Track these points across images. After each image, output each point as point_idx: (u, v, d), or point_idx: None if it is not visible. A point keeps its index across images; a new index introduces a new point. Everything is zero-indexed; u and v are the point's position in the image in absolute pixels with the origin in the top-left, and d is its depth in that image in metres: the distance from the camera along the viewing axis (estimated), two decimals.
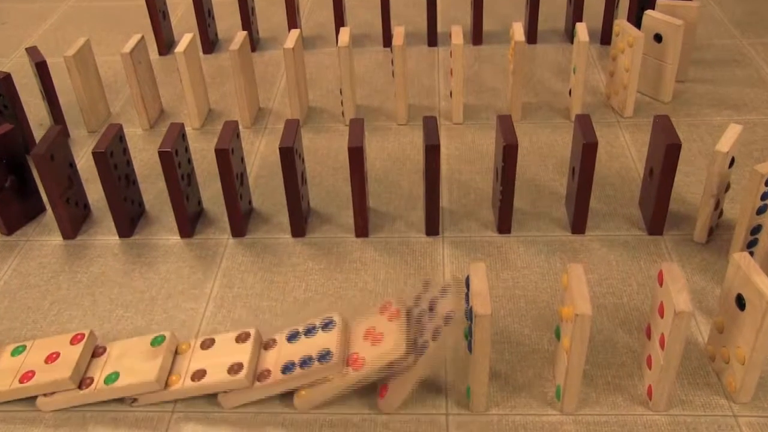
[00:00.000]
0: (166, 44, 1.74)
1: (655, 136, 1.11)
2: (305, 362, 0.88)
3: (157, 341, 0.93)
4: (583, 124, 1.10)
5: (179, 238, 1.19)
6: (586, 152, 1.07)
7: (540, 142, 1.37)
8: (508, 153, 1.08)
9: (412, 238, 1.16)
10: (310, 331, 0.93)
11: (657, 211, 1.13)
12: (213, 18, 1.76)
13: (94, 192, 1.28)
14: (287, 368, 0.89)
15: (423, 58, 1.67)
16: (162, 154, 1.11)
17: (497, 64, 1.63)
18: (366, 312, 0.95)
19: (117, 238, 1.20)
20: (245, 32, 1.42)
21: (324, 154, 1.37)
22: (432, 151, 1.09)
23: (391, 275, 1.10)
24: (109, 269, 1.14)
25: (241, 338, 0.92)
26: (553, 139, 1.37)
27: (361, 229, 1.17)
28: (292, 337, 0.93)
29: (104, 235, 1.21)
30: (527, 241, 1.15)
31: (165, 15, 1.74)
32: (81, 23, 1.95)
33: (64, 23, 1.96)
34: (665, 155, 1.06)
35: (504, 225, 1.16)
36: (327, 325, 0.92)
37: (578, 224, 1.15)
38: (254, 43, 1.74)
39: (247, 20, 1.70)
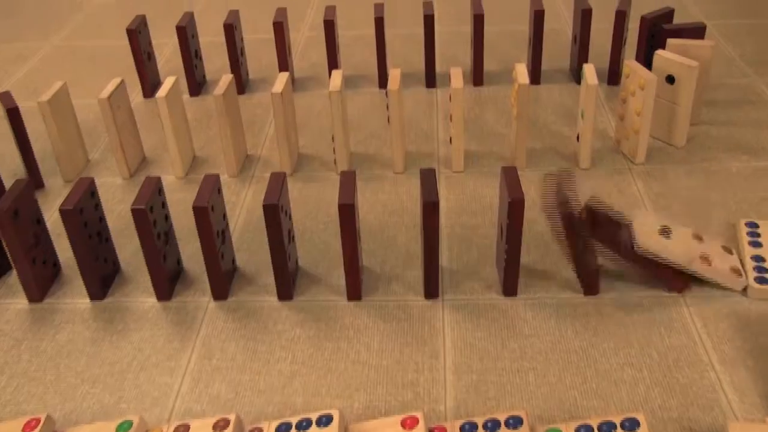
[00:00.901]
0: (151, 86, 1.65)
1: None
2: None
3: (122, 428, 0.83)
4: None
5: (155, 300, 1.10)
6: (513, 209, 0.98)
7: None
8: (514, 209, 0.99)
9: (409, 302, 1.06)
10: (303, 426, 0.82)
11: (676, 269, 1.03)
12: (200, 59, 1.68)
13: (67, 249, 1.18)
14: None
15: (421, 100, 1.58)
16: (135, 212, 1.01)
17: (500, 106, 1.54)
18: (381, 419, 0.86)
19: (88, 300, 1.10)
20: (231, 75, 1.33)
21: (314, 206, 1.27)
22: (430, 209, 1.00)
23: (386, 344, 1.00)
24: (77, 337, 1.04)
25: (220, 426, 0.82)
26: None
27: (354, 292, 1.07)
28: (282, 430, 0.83)
29: (74, 298, 1.11)
30: (535, 304, 1.05)
31: (150, 56, 1.66)
32: (64, 64, 1.86)
33: (47, 64, 1.87)
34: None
35: (510, 286, 1.06)
36: (324, 422, 0.82)
37: (590, 285, 1.06)
38: (243, 84, 1.66)
39: (236, 61, 1.61)
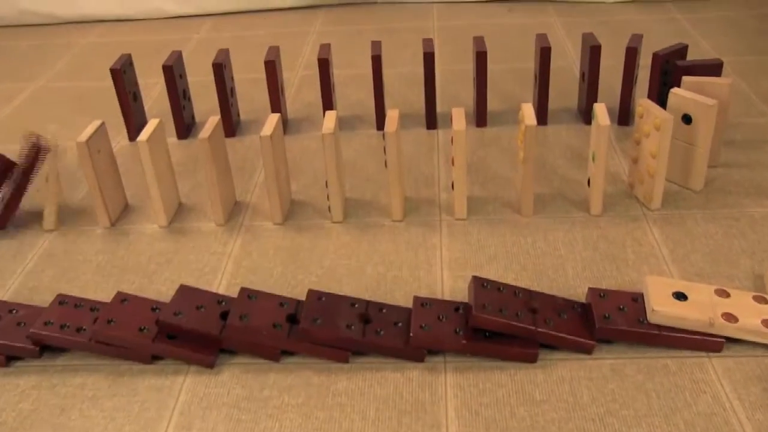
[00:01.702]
0: (137, 128, 1.57)
1: None
2: None
3: None
4: None
5: (131, 363, 1.00)
6: None
7: (557, 241, 1.18)
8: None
9: (408, 365, 0.97)
10: None
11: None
12: (189, 99, 1.60)
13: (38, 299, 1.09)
14: None
15: (421, 143, 1.50)
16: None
17: (505, 148, 1.46)
18: None
19: (55, 360, 1.01)
20: (217, 117, 1.25)
21: (307, 257, 1.18)
22: None
23: (382, 413, 0.90)
24: (43, 405, 0.95)
25: None
26: (572, 237, 1.19)
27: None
28: None
29: (43, 360, 1.01)
30: (547, 365, 0.96)
31: (136, 96, 1.58)
32: (49, 105, 1.79)
33: (32, 105, 1.80)
34: None
35: None
36: None
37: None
38: (234, 126, 1.57)
39: (226, 102, 1.53)
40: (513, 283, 1.07)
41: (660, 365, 0.94)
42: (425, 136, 1.52)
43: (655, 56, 1.41)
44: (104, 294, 1.11)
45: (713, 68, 1.33)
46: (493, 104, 1.59)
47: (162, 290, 1.13)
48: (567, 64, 1.81)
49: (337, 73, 1.77)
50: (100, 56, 2.06)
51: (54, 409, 0.94)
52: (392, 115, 1.20)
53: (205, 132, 1.20)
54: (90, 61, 2.05)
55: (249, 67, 1.83)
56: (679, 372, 0.93)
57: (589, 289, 1.02)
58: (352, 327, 0.98)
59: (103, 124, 1.27)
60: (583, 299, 1.04)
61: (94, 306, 1.04)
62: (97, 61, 2.02)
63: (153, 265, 1.19)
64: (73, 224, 1.30)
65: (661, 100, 1.33)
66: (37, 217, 1.30)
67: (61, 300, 1.04)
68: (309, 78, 1.81)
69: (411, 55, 1.91)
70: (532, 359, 0.96)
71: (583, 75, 1.53)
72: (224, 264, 1.18)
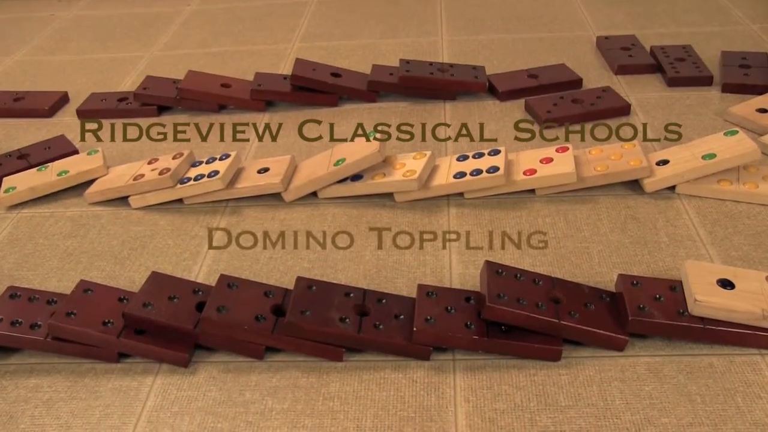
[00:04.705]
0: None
1: None
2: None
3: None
4: None
5: (95, 361, 0.88)
6: None
7: (579, 221, 1.05)
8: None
9: (411, 364, 0.84)
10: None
11: None
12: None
13: None
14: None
15: (427, 115, 1.36)
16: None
17: (518, 120, 1.33)
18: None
19: (6, 360, 0.89)
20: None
21: (297, 241, 1.05)
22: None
23: (381, 420, 0.78)
24: None
25: None
26: (597, 216, 1.06)
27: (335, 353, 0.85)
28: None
29: None
30: (572, 364, 0.83)
31: None
32: (19, 80, 1.65)
33: (1, 80, 1.67)
34: None
35: None
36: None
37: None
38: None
39: None
40: (531, 268, 0.94)
41: (704, 364, 0.81)
42: (432, 108, 1.39)
43: None
44: (70, 283, 0.99)
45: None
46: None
47: (135, 278, 1.00)
48: (587, 33, 1.67)
49: (338, 44, 1.64)
50: (82, 30, 1.92)
51: (1, 415, 0.81)
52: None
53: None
54: (71, 35, 1.91)
55: (241, 40, 1.70)
56: (727, 372, 0.80)
57: (620, 275, 0.89)
58: (347, 320, 0.85)
59: None
60: (612, 287, 0.91)
61: (51, 298, 0.91)
62: (79, 35, 1.88)
63: (126, 250, 1.06)
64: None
65: None
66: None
67: (13, 293, 0.91)
68: (305, 51, 1.68)
69: (416, 26, 1.77)
70: (555, 357, 0.83)
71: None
72: (206, 250, 1.05)
